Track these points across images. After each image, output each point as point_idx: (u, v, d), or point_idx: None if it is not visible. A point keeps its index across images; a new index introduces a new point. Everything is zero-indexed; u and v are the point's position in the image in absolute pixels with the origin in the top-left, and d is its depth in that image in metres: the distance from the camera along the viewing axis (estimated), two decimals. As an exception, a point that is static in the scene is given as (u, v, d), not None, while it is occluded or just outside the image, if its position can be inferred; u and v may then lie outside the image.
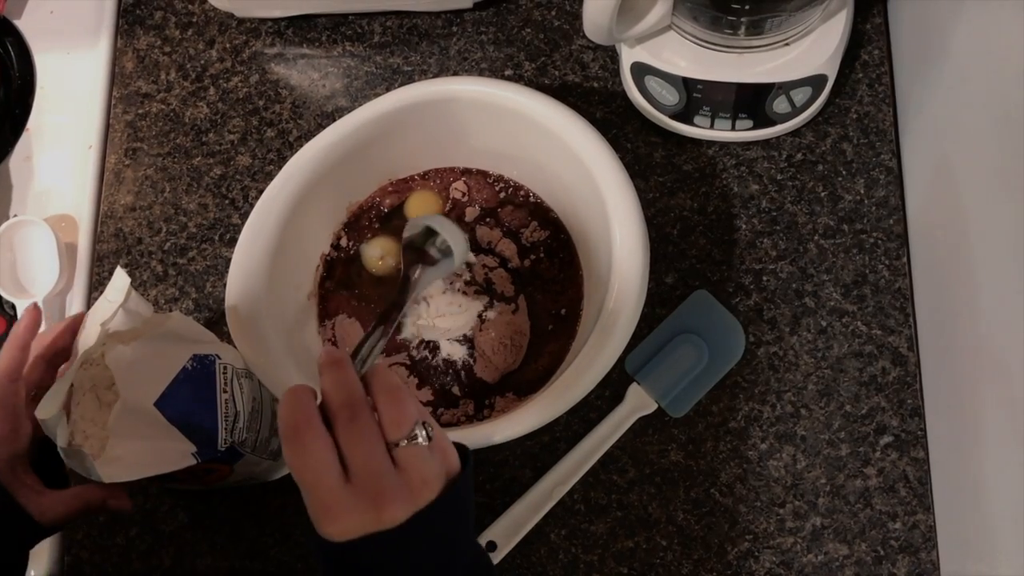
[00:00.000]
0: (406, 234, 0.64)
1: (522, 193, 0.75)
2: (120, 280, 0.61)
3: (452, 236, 0.62)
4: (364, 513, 0.45)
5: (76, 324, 0.63)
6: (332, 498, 0.46)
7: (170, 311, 0.78)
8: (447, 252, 0.62)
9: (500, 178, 0.76)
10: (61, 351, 0.63)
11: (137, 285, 0.80)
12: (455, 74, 0.82)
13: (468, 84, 0.70)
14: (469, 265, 0.73)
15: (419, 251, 0.62)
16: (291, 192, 0.69)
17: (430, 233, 0.63)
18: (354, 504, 0.46)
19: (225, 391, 0.62)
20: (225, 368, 0.62)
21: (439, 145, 0.74)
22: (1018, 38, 0.57)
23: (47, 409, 0.56)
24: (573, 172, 0.68)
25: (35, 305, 0.65)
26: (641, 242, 0.64)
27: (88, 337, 0.60)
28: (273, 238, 0.69)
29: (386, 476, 0.46)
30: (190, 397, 0.60)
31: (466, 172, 0.76)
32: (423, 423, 0.49)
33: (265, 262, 0.68)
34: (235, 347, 0.66)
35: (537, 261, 0.74)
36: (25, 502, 0.58)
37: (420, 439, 0.48)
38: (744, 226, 0.77)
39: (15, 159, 0.84)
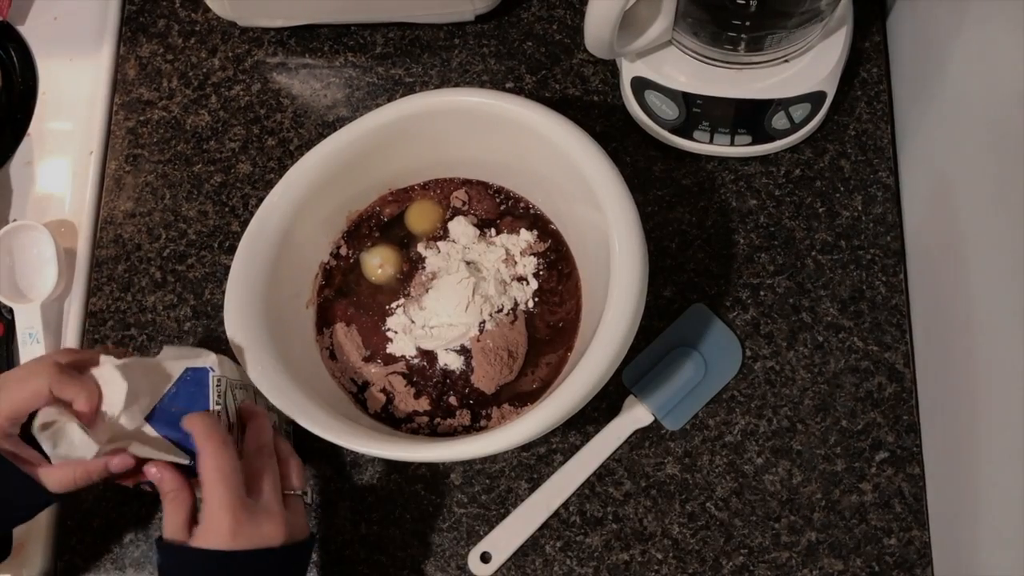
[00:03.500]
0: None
1: (522, 205, 0.76)
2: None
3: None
4: (255, 525, 0.56)
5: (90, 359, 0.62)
6: (238, 502, 0.56)
7: (168, 317, 0.79)
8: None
9: (500, 189, 0.76)
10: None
11: (136, 291, 0.80)
12: (456, 86, 0.83)
13: (469, 95, 0.70)
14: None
15: None
16: (291, 200, 0.69)
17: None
18: (251, 515, 0.56)
19: (218, 403, 0.62)
20: (219, 381, 0.62)
21: (440, 155, 0.75)
22: (1016, 57, 0.57)
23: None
24: (573, 184, 0.68)
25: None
26: (639, 255, 0.64)
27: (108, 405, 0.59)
28: (273, 246, 0.69)
29: (279, 504, 0.59)
30: (182, 411, 0.60)
31: (466, 183, 0.77)
32: (310, 488, 0.61)
33: (264, 270, 0.68)
34: (230, 357, 0.66)
35: (535, 273, 0.74)
36: (31, 471, 0.58)
37: (307, 498, 0.63)
38: (742, 241, 0.77)
39: (16, 163, 0.84)
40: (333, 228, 0.76)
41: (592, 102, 0.81)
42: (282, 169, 0.81)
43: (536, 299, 0.73)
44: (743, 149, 0.76)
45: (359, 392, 0.72)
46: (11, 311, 0.79)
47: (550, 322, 0.73)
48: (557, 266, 0.74)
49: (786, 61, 0.75)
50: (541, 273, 0.74)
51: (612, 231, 0.65)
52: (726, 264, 0.76)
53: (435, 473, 0.73)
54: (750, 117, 0.75)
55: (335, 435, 0.63)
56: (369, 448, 0.63)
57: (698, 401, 0.73)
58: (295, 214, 0.70)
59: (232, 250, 0.78)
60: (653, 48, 0.76)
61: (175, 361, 0.62)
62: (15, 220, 0.82)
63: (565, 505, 0.72)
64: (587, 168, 0.66)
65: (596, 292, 0.70)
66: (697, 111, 0.76)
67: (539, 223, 0.75)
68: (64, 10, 0.88)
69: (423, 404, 0.71)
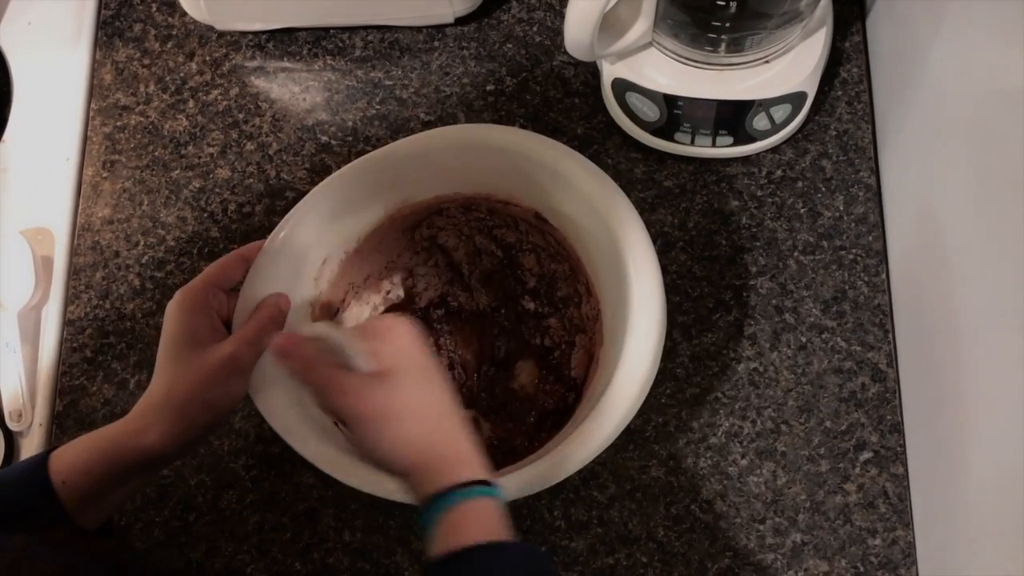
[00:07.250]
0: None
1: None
2: None
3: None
4: None
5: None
6: None
7: (147, 324, 0.78)
8: None
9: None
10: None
11: (114, 298, 0.79)
12: (437, 89, 0.82)
13: (503, 134, 0.67)
14: None
15: None
16: (309, 224, 0.66)
17: None
18: None
19: None
20: None
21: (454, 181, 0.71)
22: (994, 56, 0.58)
23: None
24: (594, 222, 0.65)
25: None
26: (658, 299, 0.60)
27: None
28: (285, 268, 0.65)
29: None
30: None
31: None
32: None
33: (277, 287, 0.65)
34: None
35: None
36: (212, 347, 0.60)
37: None
38: (724, 242, 0.77)
39: (-9, 171, 0.84)
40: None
41: (573, 104, 0.81)
42: (261, 174, 0.80)
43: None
44: (724, 150, 0.76)
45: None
46: (-13, 320, 0.78)
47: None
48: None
49: (766, 62, 0.75)
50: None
51: (629, 263, 0.62)
52: (709, 266, 0.76)
53: (419, 479, 0.73)
54: (731, 118, 0.75)
55: (342, 474, 0.60)
56: (373, 488, 0.60)
57: None
58: (315, 235, 0.67)
59: (212, 256, 0.78)
60: (634, 50, 0.76)
61: None
62: (-10, 228, 0.81)
63: (550, 509, 0.71)
64: (612, 216, 0.63)
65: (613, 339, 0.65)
66: (678, 112, 0.75)
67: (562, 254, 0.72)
68: (39, 14, 0.87)
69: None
